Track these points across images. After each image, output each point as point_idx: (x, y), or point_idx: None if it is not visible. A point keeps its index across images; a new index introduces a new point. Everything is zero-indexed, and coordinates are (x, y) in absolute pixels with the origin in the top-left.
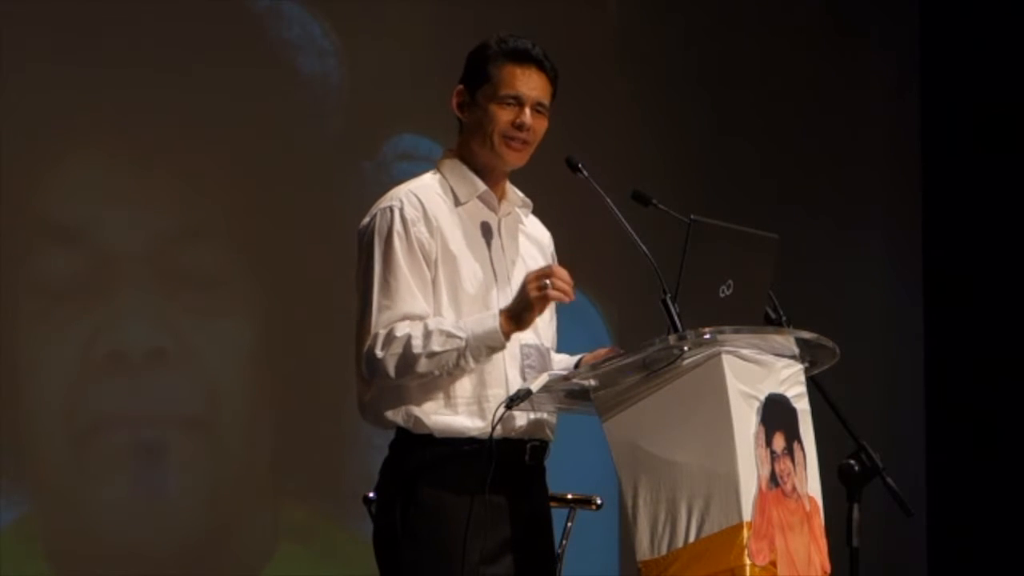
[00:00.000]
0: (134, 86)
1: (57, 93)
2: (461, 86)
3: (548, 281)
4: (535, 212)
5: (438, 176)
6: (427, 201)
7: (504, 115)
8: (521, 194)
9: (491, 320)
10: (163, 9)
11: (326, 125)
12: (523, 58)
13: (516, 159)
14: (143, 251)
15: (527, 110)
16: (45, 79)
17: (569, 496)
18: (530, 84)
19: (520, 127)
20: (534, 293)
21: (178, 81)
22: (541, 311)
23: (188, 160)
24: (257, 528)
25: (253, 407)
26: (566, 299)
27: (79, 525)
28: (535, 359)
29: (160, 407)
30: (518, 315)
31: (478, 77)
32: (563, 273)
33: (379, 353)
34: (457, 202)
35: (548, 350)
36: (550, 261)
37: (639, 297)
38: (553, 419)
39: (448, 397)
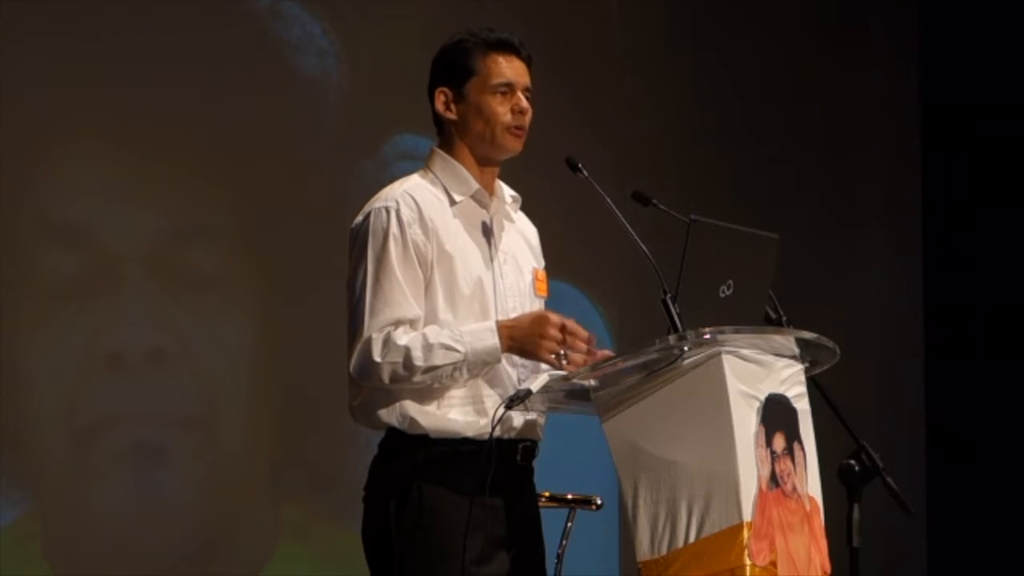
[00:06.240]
0: (134, 86)
1: (57, 93)
2: (444, 87)
3: (564, 352)
4: (536, 211)
5: (430, 175)
6: (422, 202)
7: (501, 104)
8: (510, 189)
9: (491, 337)
10: (163, 9)
11: (326, 125)
12: (506, 47)
13: (518, 146)
14: (143, 251)
15: (520, 95)
16: (45, 79)
17: (569, 496)
18: (517, 71)
19: (522, 112)
20: (547, 354)
21: (178, 81)
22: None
23: (188, 160)
24: (257, 528)
25: (253, 407)
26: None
27: (79, 525)
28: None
29: (160, 407)
30: (521, 350)
31: (461, 72)
32: (581, 345)
33: (376, 358)
34: (452, 201)
35: None
36: (538, 257)
37: (639, 297)
38: (543, 420)
39: (444, 398)
